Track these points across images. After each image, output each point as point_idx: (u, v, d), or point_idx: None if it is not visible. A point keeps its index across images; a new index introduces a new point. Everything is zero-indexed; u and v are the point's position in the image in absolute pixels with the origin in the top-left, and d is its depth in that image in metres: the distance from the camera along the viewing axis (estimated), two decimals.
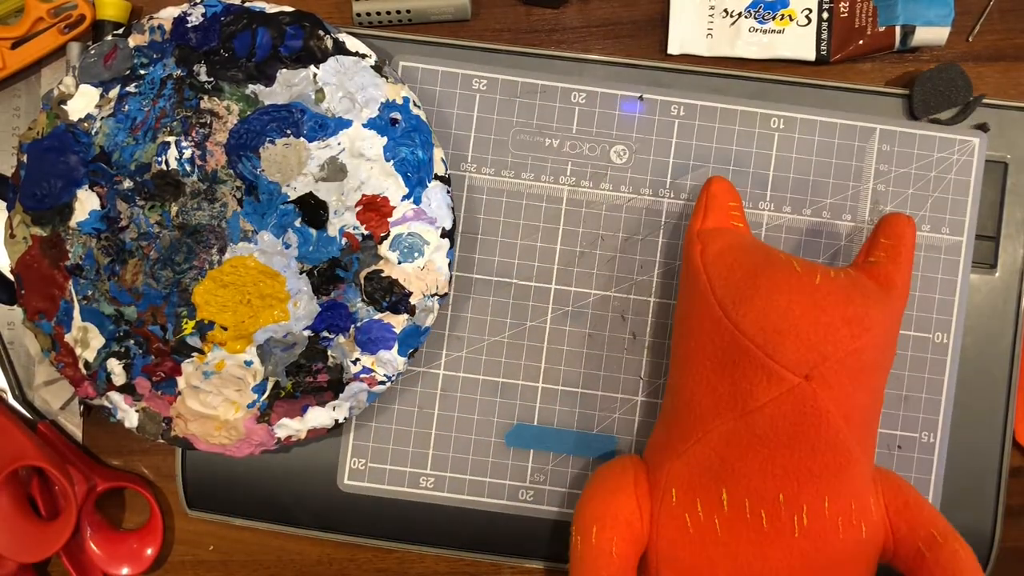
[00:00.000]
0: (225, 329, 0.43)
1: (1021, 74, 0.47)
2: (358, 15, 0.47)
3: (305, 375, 0.43)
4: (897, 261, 0.40)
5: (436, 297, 0.43)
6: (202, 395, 0.43)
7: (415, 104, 0.43)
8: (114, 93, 0.43)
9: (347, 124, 0.42)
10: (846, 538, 0.38)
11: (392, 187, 0.42)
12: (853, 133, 0.45)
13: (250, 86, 0.42)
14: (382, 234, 0.42)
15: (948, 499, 0.45)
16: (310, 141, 0.42)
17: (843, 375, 0.36)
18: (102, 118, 0.43)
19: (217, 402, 0.43)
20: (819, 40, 0.46)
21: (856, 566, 0.38)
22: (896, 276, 0.40)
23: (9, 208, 0.43)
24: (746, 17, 0.47)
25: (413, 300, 0.43)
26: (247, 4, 0.43)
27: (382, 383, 0.43)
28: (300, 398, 0.43)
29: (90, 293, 0.43)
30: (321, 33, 0.43)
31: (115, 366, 0.43)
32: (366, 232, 0.42)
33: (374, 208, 0.42)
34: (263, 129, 0.42)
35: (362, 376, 0.43)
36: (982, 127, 0.45)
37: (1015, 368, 0.45)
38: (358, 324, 0.43)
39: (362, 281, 0.43)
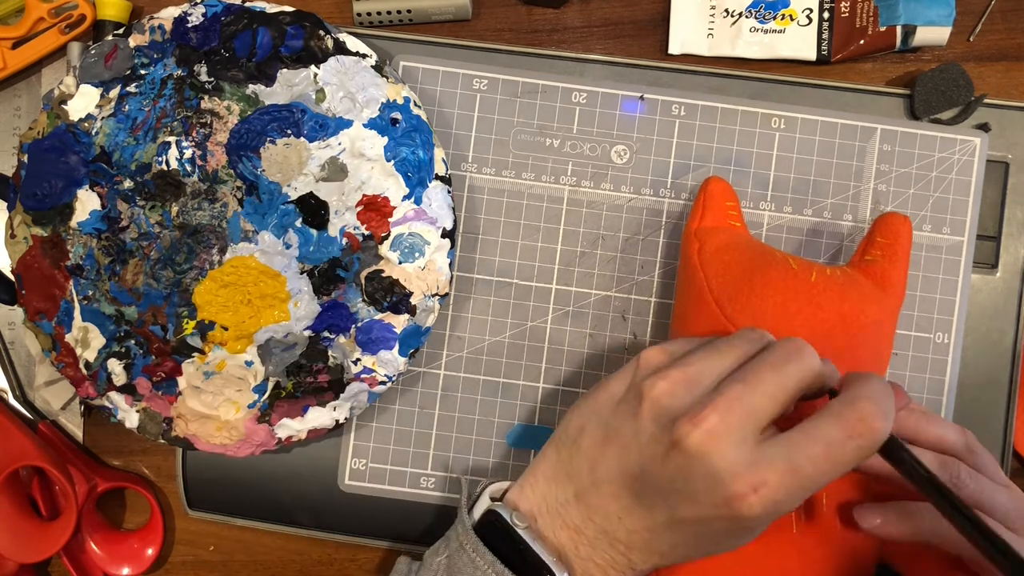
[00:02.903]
0: (226, 329, 0.43)
1: (1022, 74, 0.47)
2: (358, 15, 0.46)
3: (306, 375, 0.43)
4: (893, 260, 0.40)
5: (437, 297, 0.43)
6: (203, 395, 0.43)
7: (416, 104, 0.43)
8: (114, 93, 0.43)
9: (348, 124, 0.42)
10: (843, 536, 0.38)
11: (393, 187, 0.42)
12: (854, 133, 0.45)
13: (250, 86, 0.42)
14: (383, 234, 0.42)
15: None
16: (311, 141, 0.42)
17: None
18: (103, 118, 0.43)
19: (218, 402, 0.43)
20: (820, 40, 0.46)
21: (854, 564, 0.38)
22: (892, 274, 0.40)
23: (10, 208, 0.43)
24: (747, 17, 0.47)
25: (414, 300, 0.42)
26: (247, 4, 0.43)
27: (383, 383, 0.43)
28: (301, 398, 0.43)
29: (91, 293, 0.43)
30: (322, 33, 0.43)
31: (116, 366, 0.43)
32: (367, 232, 0.42)
33: (375, 208, 0.42)
34: (264, 129, 0.42)
35: (363, 376, 0.43)
36: (983, 127, 0.45)
37: (1016, 368, 0.45)
38: (359, 324, 0.43)
39: (363, 281, 0.43)
